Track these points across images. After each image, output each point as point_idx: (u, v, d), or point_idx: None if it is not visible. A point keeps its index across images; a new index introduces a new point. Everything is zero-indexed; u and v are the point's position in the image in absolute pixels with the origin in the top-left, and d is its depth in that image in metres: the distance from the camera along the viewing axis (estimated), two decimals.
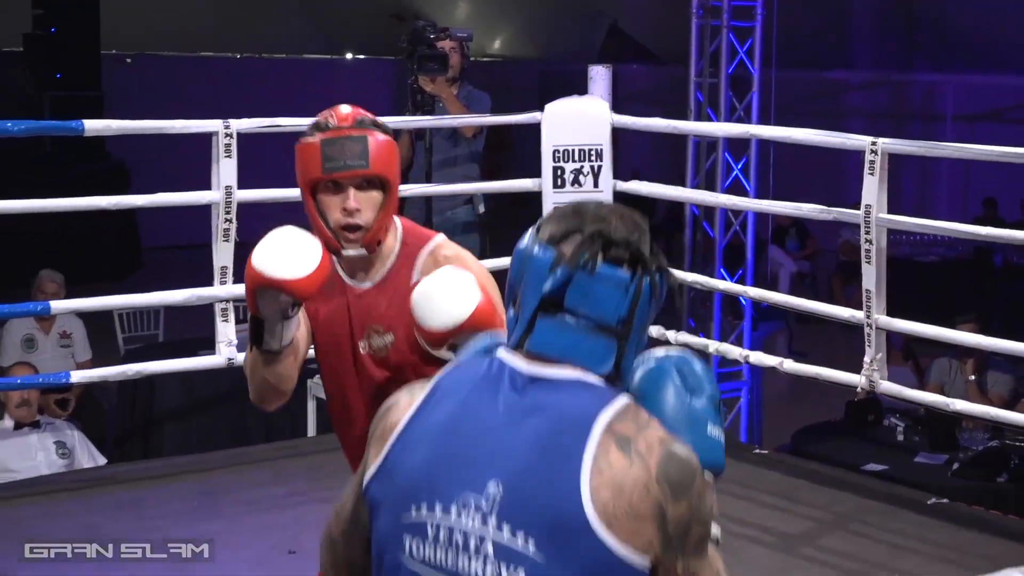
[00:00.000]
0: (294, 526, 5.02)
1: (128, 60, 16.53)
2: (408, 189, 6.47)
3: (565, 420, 1.76)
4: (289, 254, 2.57)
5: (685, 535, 1.73)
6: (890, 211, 5.55)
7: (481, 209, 6.77)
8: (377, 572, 1.85)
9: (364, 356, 2.88)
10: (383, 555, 1.82)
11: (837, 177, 13.04)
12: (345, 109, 2.82)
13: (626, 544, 1.69)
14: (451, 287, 2.64)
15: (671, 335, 6.61)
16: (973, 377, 7.87)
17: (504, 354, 1.84)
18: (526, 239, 1.87)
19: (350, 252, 2.79)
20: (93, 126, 5.88)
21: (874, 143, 5.57)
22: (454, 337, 2.62)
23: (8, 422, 6.42)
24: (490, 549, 1.71)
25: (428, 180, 6.45)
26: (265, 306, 2.62)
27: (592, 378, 1.80)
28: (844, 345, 6.32)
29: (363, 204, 2.75)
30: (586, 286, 1.79)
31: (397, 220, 2.89)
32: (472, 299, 2.62)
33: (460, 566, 1.73)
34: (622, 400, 1.79)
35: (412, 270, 2.84)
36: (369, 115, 2.85)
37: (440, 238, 2.92)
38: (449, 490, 1.77)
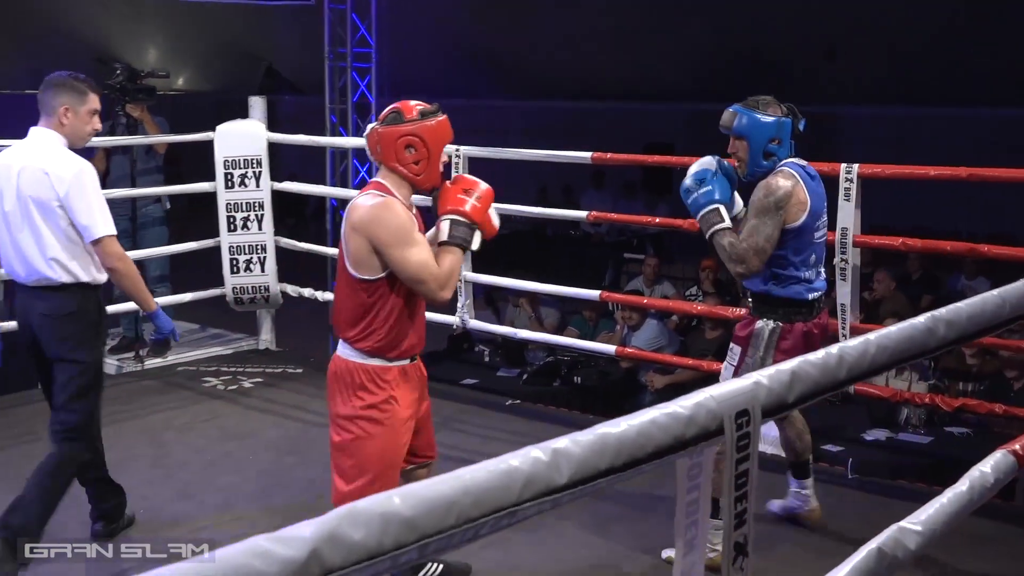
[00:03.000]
0: None
1: None
2: (111, 193, 6.16)
3: None
4: None
5: None
6: None
7: (167, 205, 6.58)
8: None
9: None
10: None
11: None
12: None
13: None
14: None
15: (319, 294, 6.54)
16: (532, 314, 8.12)
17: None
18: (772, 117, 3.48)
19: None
20: None
21: (457, 150, 5.66)
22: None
23: None
24: None
25: (134, 185, 6.26)
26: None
27: None
28: None
29: None
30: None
31: None
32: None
33: None
34: None
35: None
36: None
37: None
38: None
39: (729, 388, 1.18)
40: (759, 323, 3.64)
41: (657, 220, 5.71)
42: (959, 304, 1.56)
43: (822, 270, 3.72)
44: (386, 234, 2.92)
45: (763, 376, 1.23)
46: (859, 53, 12.06)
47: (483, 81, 15.63)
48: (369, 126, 3.16)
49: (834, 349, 1.34)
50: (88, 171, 3.58)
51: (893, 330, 1.43)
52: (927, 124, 13.15)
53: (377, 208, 2.93)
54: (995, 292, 1.64)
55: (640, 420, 1.10)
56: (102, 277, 3.67)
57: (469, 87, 15.97)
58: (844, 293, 4.67)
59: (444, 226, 3.05)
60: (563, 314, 8.31)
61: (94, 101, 3.69)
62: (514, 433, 5.15)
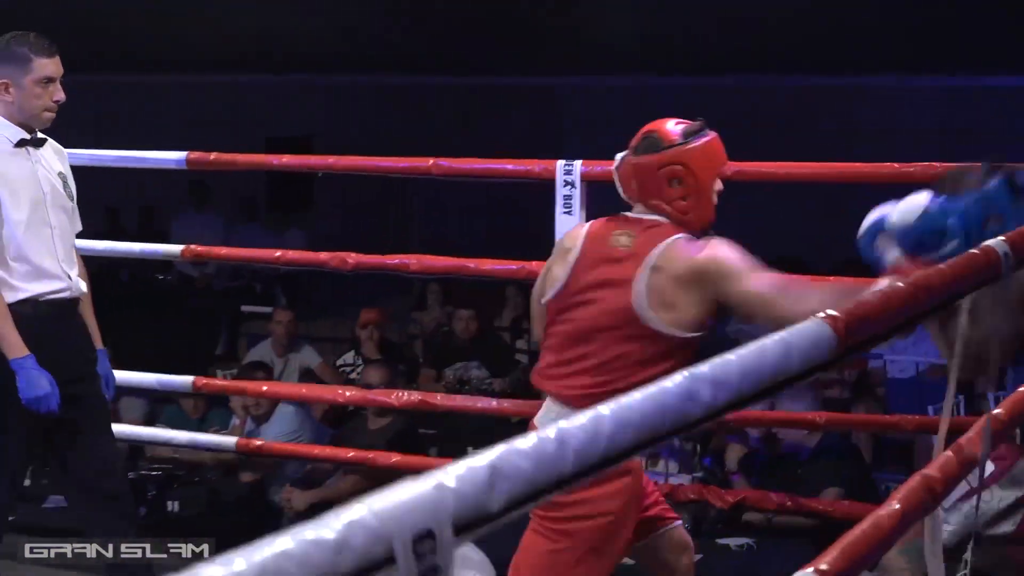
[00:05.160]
0: None
1: None
2: None
3: None
4: None
5: None
6: None
7: None
8: None
9: None
10: None
11: None
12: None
13: None
14: None
15: None
16: None
17: None
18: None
19: None
20: None
21: None
22: None
23: None
24: None
25: None
26: None
27: None
28: None
29: None
30: None
31: None
32: None
33: None
34: None
35: None
36: None
37: None
38: None
39: (398, 497, 1.18)
40: None
41: (290, 254, 5.72)
42: (727, 356, 1.63)
43: None
44: (733, 272, 3.52)
45: (449, 476, 1.24)
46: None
47: None
48: (618, 156, 3.70)
49: (551, 431, 1.37)
50: None
51: (635, 399, 1.48)
52: (681, 97, 13.90)
53: (716, 251, 3.56)
54: (777, 336, 1.73)
55: (261, 556, 1.08)
56: None
57: None
58: None
59: None
60: (152, 404, 8.15)
61: (44, 67, 4.41)
62: None
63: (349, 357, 9.03)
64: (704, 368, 1.60)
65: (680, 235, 3.61)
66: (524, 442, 1.35)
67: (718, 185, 3.66)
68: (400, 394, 5.44)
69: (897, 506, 2.37)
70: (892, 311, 2.03)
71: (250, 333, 10.45)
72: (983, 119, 13.18)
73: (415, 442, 7.28)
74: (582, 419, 1.42)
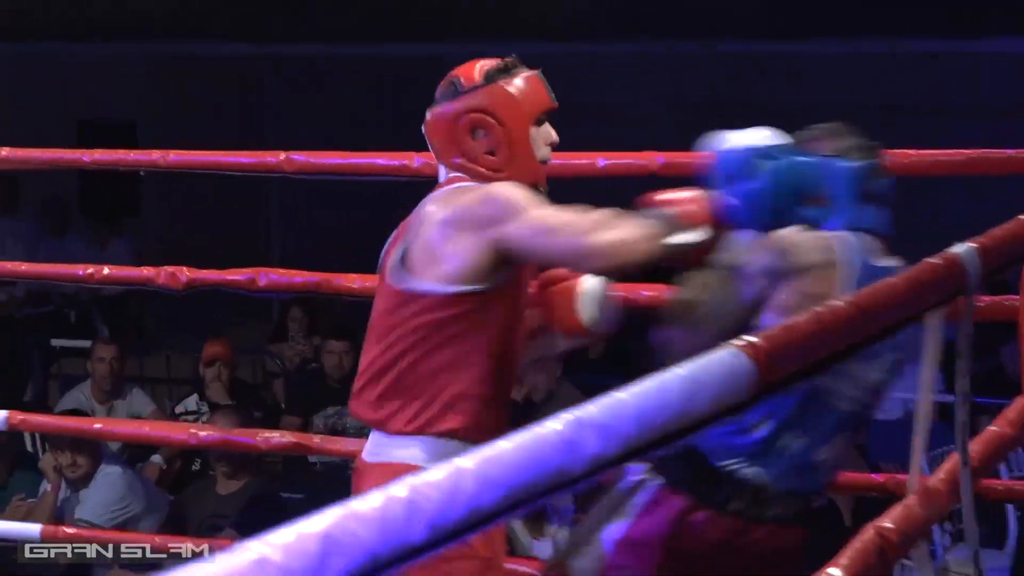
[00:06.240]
0: None
1: None
2: None
3: None
4: None
5: None
6: None
7: None
8: None
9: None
10: None
11: None
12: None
13: None
14: None
15: None
16: None
17: None
18: None
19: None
20: None
21: None
22: None
23: None
24: None
25: None
26: None
27: None
28: None
29: None
30: None
31: None
32: None
33: None
34: None
35: None
36: None
37: None
38: None
39: (207, 574, 1.19)
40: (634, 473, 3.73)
41: (107, 269, 5.66)
42: (619, 395, 1.64)
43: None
44: (510, 204, 3.48)
45: (273, 549, 1.25)
46: None
47: None
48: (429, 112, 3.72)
49: (401, 489, 1.38)
50: None
51: (505, 449, 1.49)
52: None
53: (493, 187, 3.54)
54: (680, 371, 1.75)
55: None
56: None
57: None
58: None
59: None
60: None
61: None
62: None
63: (191, 403, 8.92)
64: (592, 410, 1.60)
65: (463, 183, 3.64)
66: (365, 504, 1.36)
67: (547, 136, 3.66)
68: (267, 436, 5.30)
69: (840, 572, 2.34)
70: (827, 336, 2.02)
71: (63, 374, 10.27)
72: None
73: (277, 511, 7.18)
74: (439, 474, 1.43)
